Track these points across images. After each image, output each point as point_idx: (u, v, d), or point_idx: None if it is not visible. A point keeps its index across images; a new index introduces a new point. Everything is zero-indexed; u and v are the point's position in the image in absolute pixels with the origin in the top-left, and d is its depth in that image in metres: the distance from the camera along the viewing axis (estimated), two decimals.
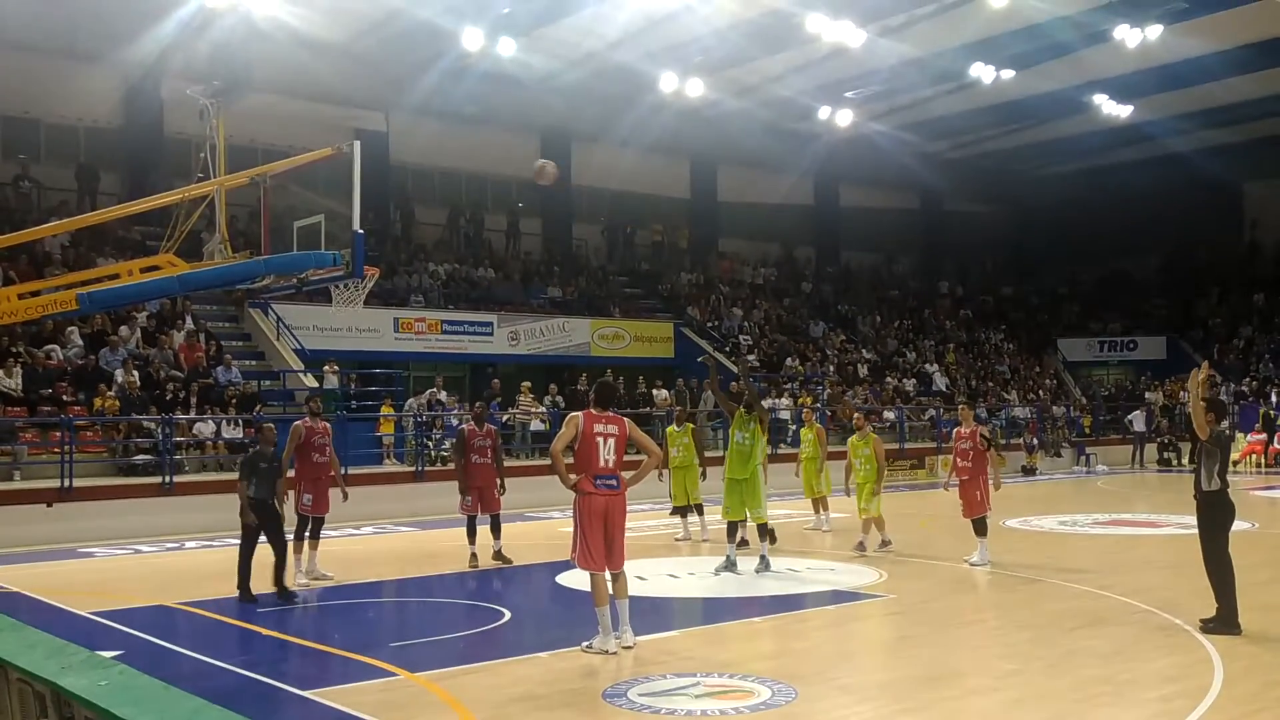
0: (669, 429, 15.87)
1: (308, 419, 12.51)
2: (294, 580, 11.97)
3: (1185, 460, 30.01)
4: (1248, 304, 39.69)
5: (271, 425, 12.02)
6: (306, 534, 12.32)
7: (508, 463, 15.08)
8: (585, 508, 8.56)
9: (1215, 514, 9.24)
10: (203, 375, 20.78)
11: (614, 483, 8.63)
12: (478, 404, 15.91)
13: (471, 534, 13.39)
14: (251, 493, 11.05)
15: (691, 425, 15.93)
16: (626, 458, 8.92)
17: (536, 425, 23.88)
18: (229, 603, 11.17)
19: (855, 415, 15.57)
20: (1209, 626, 9.02)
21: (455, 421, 23.22)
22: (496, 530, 13.47)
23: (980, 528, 12.97)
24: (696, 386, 27.61)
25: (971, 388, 34.70)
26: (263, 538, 11.15)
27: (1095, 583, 11.56)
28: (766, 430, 13.19)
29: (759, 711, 6.93)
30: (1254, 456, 30.24)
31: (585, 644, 8.58)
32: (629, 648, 8.53)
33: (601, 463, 8.57)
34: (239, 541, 11.29)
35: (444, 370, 26.81)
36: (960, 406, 14.32)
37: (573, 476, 8.62)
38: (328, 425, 12.81)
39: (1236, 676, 7.67)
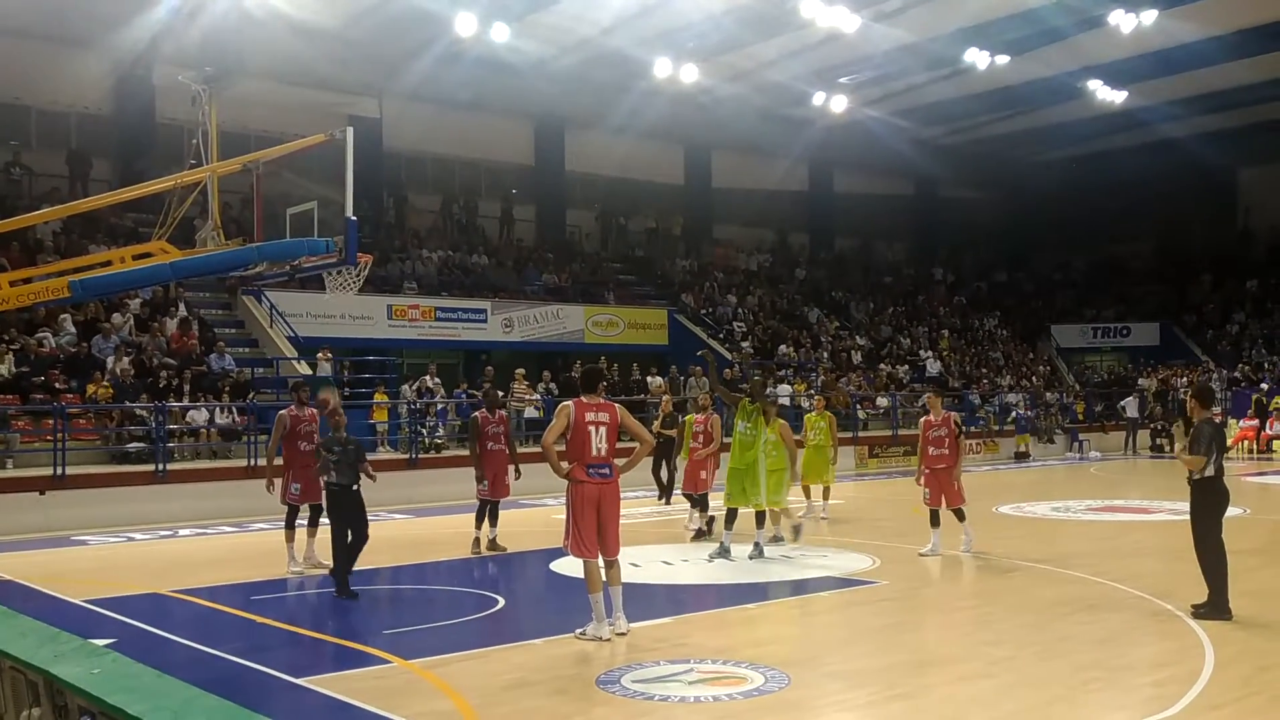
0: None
1: (293, 407, 12.45)
2: (289, 569, 11.99)
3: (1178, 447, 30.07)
4: (1241, 290, 39.76)
5: (340, 411, 11.89)
6: (298, 523, 12.28)
7: None
8: (578, 496, 8.57)
9: (1208, 500, 9.26)
10: (196, 363, 20.74)
11: (607, 471, 8.64)
12: (487, 389, 15.78)
13: (480, 519, 13.42)
14: (334, 479, 10.63)
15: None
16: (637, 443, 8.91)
17: (531, 413, 23.86)
18: (222, 590, 11.18)
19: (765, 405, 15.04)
20: (1200, 612, 9.06)
21: (446, 407, 23.22)
22: (494, 518, 13.48)
23: (961, 515, 12.81)
24: (699, 372, 27.57)
25: (965, 374, 34.75)
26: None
27: (1088, 569, 11.60)
28: (772, 420, 13.06)
29: (752, 698, 6.95)
30: (1246, 443, 30.32)
31: (579, 630, 8.60)
32: (623, 634, 8.55)
33: (594, 451, 8.58)
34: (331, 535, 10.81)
35: (437, 358, 26.78)
36: (928, 396, 14.00)
37: (565, 465, 8.64)
38: (315, 413, 12.75)
39: (1227, 661, 7.71)
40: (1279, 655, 8.04)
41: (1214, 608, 9.03)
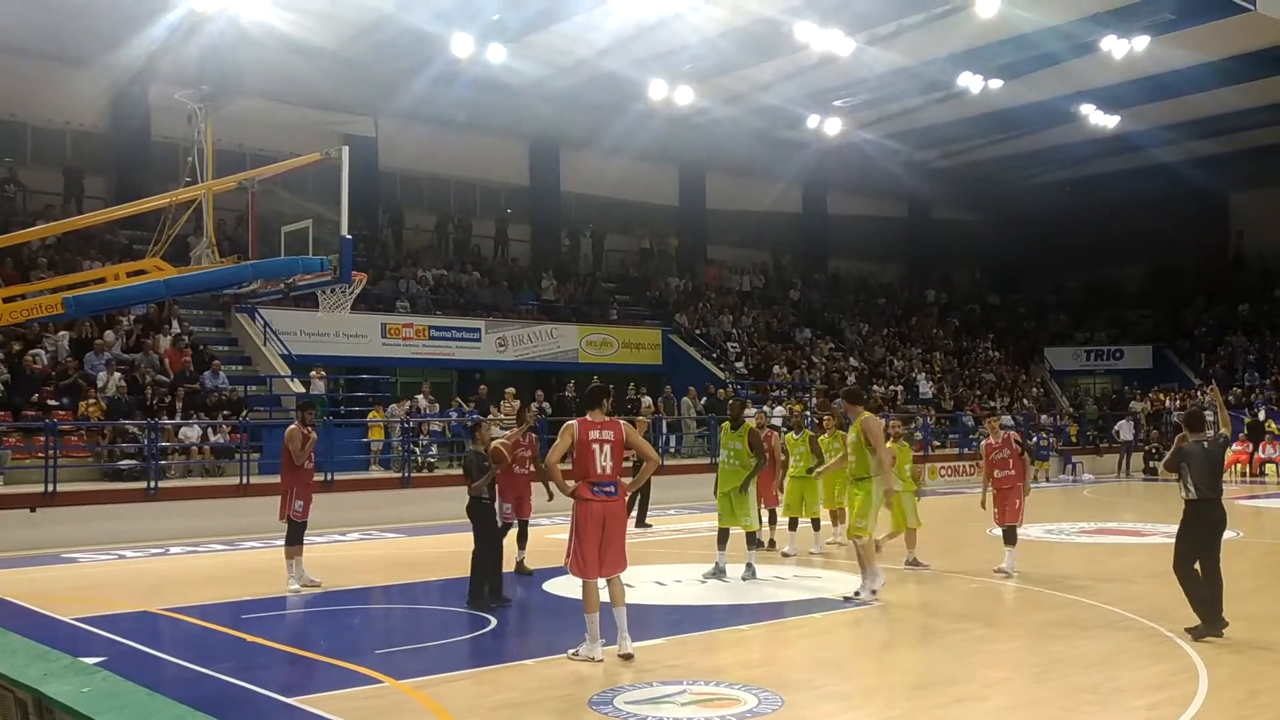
0: (788, 435, 15.34)
1: (297, 425, 12.40)
2: (288, 586, 11.93)
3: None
4: (1233, 314, 39.90)
5: (488, 422, 11.83)
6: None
7: None
8: (582, 514, 8.51)
9: (1188, 522, 9.29)
10: (189, 380, 20.69)
11: (612, 489, 8.58)
12: (520, 411, 15.53)
13: (520, 540, 13.05)
14: (486, 495, 11.00)
15: (810, 432, 15.18)
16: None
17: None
18: (213, 608, 11.12)
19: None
20: (1195, 634, 9.05)
21: (437, 428, 23.20)
22: (523, 540, 13.08)
23: (1011, 536, 12.85)
24: (694, 393, 27.53)
25: (958, 395, 34.77)
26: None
27: (1082, 591, 11.59)
28: (759, 447, 12.90)
29: (745, 719, 6.92)
30: (1239, 466, 30.35)
31: (572, 651, 8.55)
32: (628, 656, 8.38)
33: (599, 469, 8.50)
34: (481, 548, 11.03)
35: (431, 376, 26.75)
36: (987, 420, 14.29)
37: (571, 483, 8.60)
38: (313, 432, 12.69)
39: (1221, 684, 7.69)
40: (1273, 679, 8.04)
41: (1208, 630, 9.03)
